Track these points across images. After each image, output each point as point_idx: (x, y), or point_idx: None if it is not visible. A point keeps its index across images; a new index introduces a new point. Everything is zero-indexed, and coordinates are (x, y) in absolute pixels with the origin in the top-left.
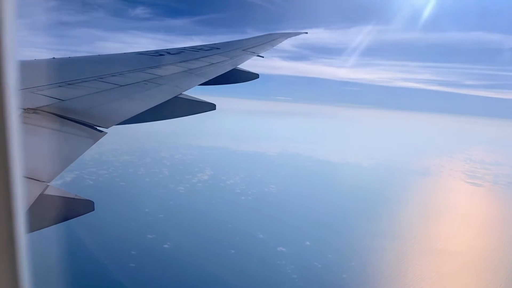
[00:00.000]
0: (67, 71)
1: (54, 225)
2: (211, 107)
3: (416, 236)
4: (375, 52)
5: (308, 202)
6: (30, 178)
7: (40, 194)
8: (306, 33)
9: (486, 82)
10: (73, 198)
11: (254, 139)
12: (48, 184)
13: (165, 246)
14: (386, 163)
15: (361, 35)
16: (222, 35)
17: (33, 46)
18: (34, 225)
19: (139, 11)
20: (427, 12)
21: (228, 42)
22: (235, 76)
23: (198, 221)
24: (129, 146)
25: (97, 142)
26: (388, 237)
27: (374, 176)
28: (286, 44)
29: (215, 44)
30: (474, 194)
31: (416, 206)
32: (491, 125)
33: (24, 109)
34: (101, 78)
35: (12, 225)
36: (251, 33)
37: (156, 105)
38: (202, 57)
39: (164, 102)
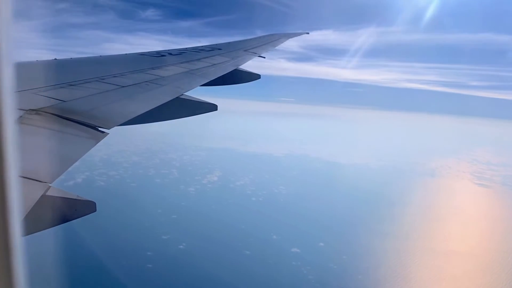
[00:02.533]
0: (69, 72)
1: (58, 226)
2: (213, 107)
3: (429, 238)
4: (381, 53)
5: (318, 203)
6: (32, 179)
7: (42, 195)
8: (308, 33)
9: (492, 83)
10: (75, 199)
11: (260, 140)
12: (50, 185)
13: (180, 247)
14: (393, 165)
15: (368, 36)
16: (231, 36)
17: (41, 47)
18: (37, 226)
19: (149, 13)
20: (433, 13)
21: (229, 42)
22: (236, 77)
23: (211, 222)
24: (137, 148)
25: (104, 143)
26: (400, 238)
27: (383, 177)
28: (293, 45)
29: (216, 44)
30: (484, 195)
31: (427, 208)
32: (496, 126)
33: (26, 110)
34: (103, 79)
35: (8, 227)
36: (260, 35)
37: (158, 106)
38: (204, 58)
39: (165, 103)
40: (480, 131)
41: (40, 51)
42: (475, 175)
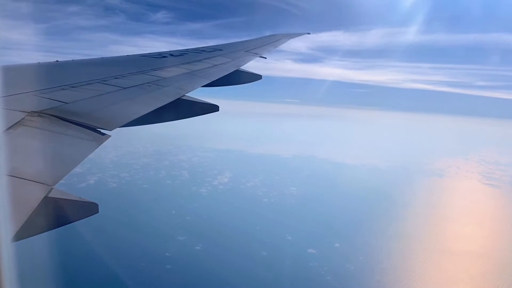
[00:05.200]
0: (71, 73)
1: (65, 228)
2: (214, 108)
3: (442, 238)
4: (388, 54)
5: (330, 204)
6: (34, 181)
7: (44, 197)
8: (309, 33)
9: (499, 83)
10: (78, 201)
11: (266, 141)
12: (53, 187)
13: (197, 248)
14: (401, 165)
15: (376, 37)
16: (240, 38)
17: (48, 50)
18: (39, 228)
19: (160, 15)
20: (441, 13)
21: (230, 43)
22: (237, 77)
23: (225, 223)
24: (145, 149)
25: (113, 145)
26: (414, 239)
27: (392, 178)
28: (300, 46)
29: (217, 45)
30: (493, 195)
31: (437, 208)
32: (503, 126)
33: (28, 112)
34: (105, 80)
35: None
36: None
37: (160, 107)
38: (205, 59)
39: (167, 104)
40: (487, 131)
41: (47, 53)
42: (484, 175)
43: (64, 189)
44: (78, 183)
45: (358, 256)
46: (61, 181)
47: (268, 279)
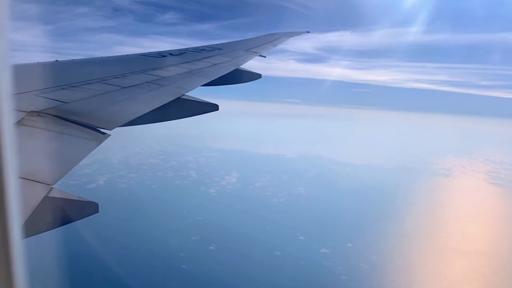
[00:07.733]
0: (70, 73)
1: (75, 227)
2: (214, 107)
3: (452, 237)
4: (392, 54)
5: (339, 204)
6: (34, 180)
7: (44, 197)
8: (308, 32)
9: (502, 82)
10: (77, 200)
11: (270, 141)
12: (53, 186)
13: (211, 247)
14: (407, 165)
15: (381, 37)
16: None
17: (52, 51)
18: (40, 227)
19: (168, 16)
20: (444, 13)
21: (230, 42)
22: (237, 76)
23: (236, 223)
24: (151, 149)
25: (119, 146)
26: (424, 238)
27: (398, 177)
28: (306, 46)
29: (217, 44)
30: (500, 195)
31: (446, 207)
32: (507, 125)
33: (27, 112)
34: (104, 80)
35: (8, 230)
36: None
37: (159, 107)
38: (205, 58)
39: (167, 103)
40: (491, 131)
41: (50, 54)
42: (490, 175)
43: (74, 190)
44: (87, 183)
45: (371, 255)
46: (71, 182)
47: (283, 279)
